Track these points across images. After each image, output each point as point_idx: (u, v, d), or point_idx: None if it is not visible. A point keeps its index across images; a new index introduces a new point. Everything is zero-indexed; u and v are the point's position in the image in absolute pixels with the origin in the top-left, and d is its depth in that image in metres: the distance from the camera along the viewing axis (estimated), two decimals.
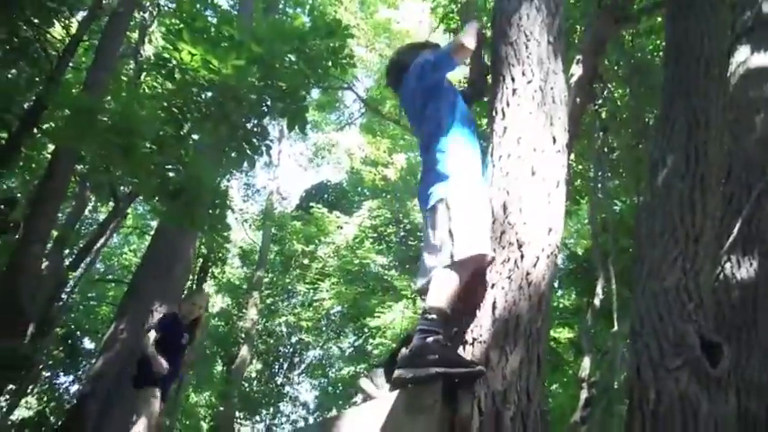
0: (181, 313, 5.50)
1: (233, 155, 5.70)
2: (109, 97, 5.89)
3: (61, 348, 12.40)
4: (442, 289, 2.25)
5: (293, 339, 17.34)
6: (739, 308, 3.03)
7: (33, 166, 11.23)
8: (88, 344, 13.92)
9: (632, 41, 7.41)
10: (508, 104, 2.65)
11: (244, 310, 16.57)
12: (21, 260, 7.85)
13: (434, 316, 2.20)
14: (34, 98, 8.97)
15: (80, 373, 12.49)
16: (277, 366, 17.51)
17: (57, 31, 9.64)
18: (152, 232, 11.18)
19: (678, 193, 2.79)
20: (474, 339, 2.20)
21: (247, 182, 18.78)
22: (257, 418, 17.69)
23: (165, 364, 4.98)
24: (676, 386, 2.32)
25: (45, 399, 12.31)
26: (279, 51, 5.36)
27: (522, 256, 2.31)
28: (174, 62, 5.22)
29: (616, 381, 6.11)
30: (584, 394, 5.92)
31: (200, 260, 15.10)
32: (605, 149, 7.60)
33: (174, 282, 8.57)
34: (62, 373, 12.79)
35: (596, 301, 6.65)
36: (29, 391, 10.98)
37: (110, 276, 16.62)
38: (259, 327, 16.33)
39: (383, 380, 2.51)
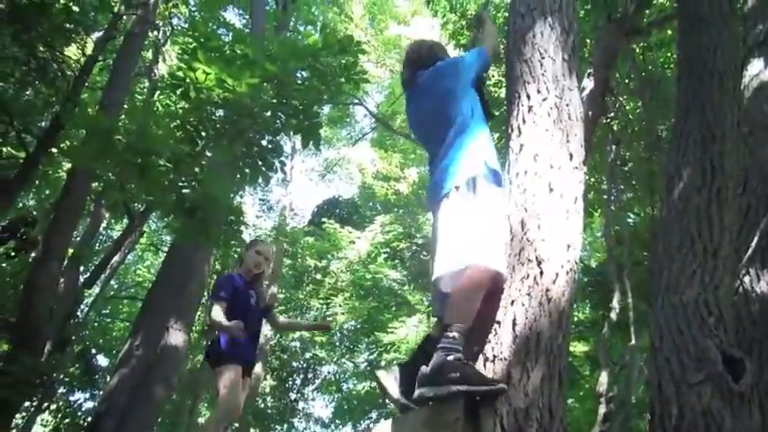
0: (244, 267, 4.66)
1: (247, 171, 5.73)
2: (124, 116, 5.96)
3: (77, 365, 12.45)
4: (463, 306, 2.25)
5: (307, 355, 17.28)
6: (759, 321, 3.01)
7: (48, 184, 11.40)
8: (103, 360, 14.01)
9: (643, 55, 7.44)
10: (524, 121, 2.67)
11: None
12: (38, 278, 7.92)
13: (455, 334, 2.19)
14: (51, 118, 9.11)
15: (95, 390, 12.54)
16: (291, 382, 17.44)
17: (73, 51, 9.79)
18: (166, 248, 11.23)
19: (695, 206, 2.79)
20: (495, 356, 2.20)
21: (262, 197, 18.87)
22: None
23: (240, 324, 4.07)
24: (699, 401, 2.30)
25: (60, 416, 12.32)
26: (292, 69, 5.42)
27: (541, 273, 2.31)
28: (189, 81, 5.28)
29: (633, 395, 6.06)
30: (602, 409, 5.87)
31: (215, 276, 15.12)
32: (618, 162, 7.60)
33: (188, 298, 8.61)
34: (77, 390, 12.83)
35: (613, 315, 6.60)
36: (45, 408, 11.03)
37: (124, 293, 16.70)
38: (272, 342, 16.28)
39: (397, 383, 2.47)
